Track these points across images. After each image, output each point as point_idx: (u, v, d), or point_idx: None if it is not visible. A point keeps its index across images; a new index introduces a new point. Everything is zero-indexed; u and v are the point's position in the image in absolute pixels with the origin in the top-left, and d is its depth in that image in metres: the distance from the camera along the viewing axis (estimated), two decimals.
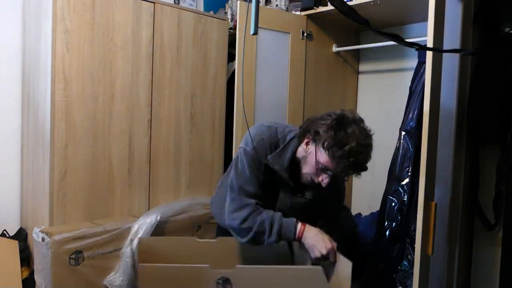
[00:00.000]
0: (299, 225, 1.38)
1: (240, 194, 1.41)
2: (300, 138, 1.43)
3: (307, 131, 1.38)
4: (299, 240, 1.38)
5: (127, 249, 1.95)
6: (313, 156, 1.36)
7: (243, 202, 1.40)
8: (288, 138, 1.46)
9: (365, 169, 1.36)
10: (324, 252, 1.33)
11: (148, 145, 2.20)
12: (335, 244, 1.36)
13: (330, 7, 2.09)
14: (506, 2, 1.67)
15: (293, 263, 1.56)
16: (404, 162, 1.97)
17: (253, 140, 1.41)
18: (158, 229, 2.04)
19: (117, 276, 1.93)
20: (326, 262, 1.36)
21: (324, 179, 1.37)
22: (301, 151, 1.42)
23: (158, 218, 2.03)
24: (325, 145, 1.31)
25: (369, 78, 2.60)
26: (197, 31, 2.37)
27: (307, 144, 1.39)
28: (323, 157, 1.33)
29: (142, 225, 2.00)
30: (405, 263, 1.91)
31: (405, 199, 1.94)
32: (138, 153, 2.17)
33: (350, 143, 1.27)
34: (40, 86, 1.99)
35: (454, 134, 1.75)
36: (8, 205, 2.26)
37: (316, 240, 1.35)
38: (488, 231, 1.85)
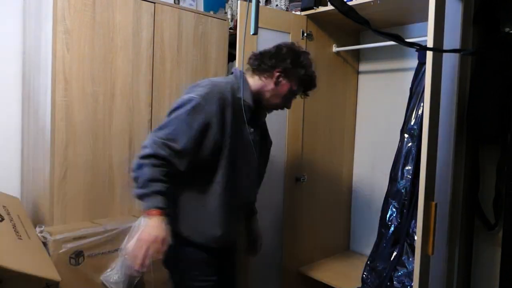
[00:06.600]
0: (155, 210, 1.32)
1: (163, 149, 1.40)
2: (262, 74, 1.58)
3: (273, 68, 1.55)
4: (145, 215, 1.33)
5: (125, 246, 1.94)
6: (286, 88, 1.58)
7: (156, 163, 1.40)
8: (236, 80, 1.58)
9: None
10: (136, 268, 1.28)
11: None
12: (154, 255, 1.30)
13: (330, 7, 2.09)
14: (506, 2, 1.67)
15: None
16: (405, 163, 1.97)
17: (204, 87, 1.48)
18: None
19: (113, 273, 1.92)
20: None
21: (290, 104, 1.68)
22: (266, 85, 1.58)
23: None
24: (299, 78, 1.58)
25: (369, 78, 2.60)
26: (197, 31, 2.37)
27: (278, 78, 1.56)
28: (296, 86, 1.60)
29: None
30: (405, 262, 1.92)
31: (406, 200, 1.94)
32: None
33: (310, 71, 1.60)
34: (41, 86, 1.99)
35: (454, 134, 1.75)
36: None
37: (139, 244, 1.29)
38: (488, 231, 1.85)
